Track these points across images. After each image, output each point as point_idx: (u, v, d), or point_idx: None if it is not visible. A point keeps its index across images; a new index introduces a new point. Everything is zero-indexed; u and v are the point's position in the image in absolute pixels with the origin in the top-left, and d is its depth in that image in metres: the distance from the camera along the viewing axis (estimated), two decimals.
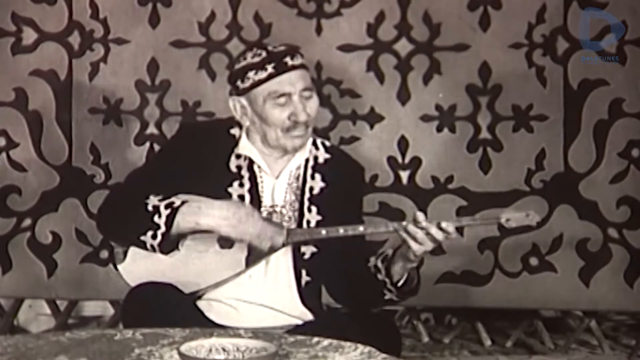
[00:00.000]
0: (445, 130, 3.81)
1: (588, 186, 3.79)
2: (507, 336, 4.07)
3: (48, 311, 4.15)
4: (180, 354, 1.99)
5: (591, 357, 3.95)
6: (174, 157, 2.70)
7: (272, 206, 2.67)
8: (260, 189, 2.67)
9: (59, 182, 3.86)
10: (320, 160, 2.74)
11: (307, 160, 2.71)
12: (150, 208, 2.56)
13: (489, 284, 3.82)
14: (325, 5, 3.80)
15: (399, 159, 3.82)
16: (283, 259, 2.66)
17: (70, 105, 3.85)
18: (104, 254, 3.81)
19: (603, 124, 3.77)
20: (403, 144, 3.82)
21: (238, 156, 2.69)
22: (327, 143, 2.80)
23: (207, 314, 2.62)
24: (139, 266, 2.64)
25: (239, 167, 2.68)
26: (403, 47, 3.80)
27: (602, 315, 4.15)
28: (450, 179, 3.82)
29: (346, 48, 3.81)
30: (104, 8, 3.82)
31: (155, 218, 2.54)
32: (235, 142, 2.70)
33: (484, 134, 3.81)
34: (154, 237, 2.54)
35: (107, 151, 3.85)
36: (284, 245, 2.60)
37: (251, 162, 2.68)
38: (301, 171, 2.71)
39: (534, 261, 3.81)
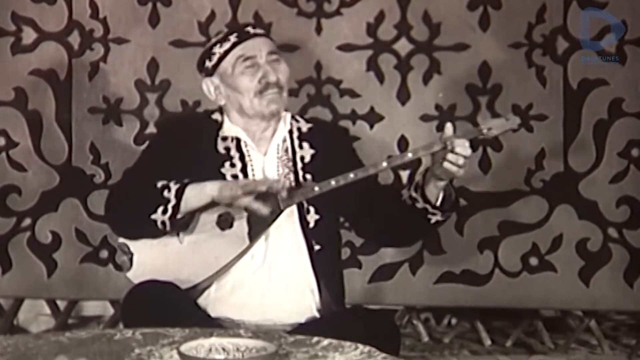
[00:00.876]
0: None
1: (588, 186, 3.78)
2: (507, 336, 4.06)
3: (48, 311, 4.14)
4: (180, 353, 1.99)
5: (591, 357, 3.95)
6: (162, 151, 2.75)
7: None
8: (250, 167, 2.71)
9: (58, 181, 3.86)
10: (304, 129, 2.79)
11: (291, 133, 2.76)
12: (159, 186, 2.61)
13: (488, 284, 3.82)
14: (325, 5, 3.80)
15: None
16: (284, 233, 2.67)
17: (70, 105, 3.84)
18: (104, 253, 3.81)
19: (603, 123, 3.77)
20: (403, 143, 3.81)
21: (224, 139, 2.74)
22: (305, 117, 2.87)
23: (212, 307, 2.64)
24: (145, 266, 2.66)
25: (227, 149, 2.73)
26: (403, 46, 3.80)
27: (602, 315, 4.15)
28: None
29: (346, 48, 3.81)
30: (103, 8, 3.82)
31: (165, 193, 2.60)
32: (219, 126, 2.76)
33: None
34: (165, 211, 2.59)
35: (107, 151, 3.85)
36: (282, 211, 2.62)
37: (238, 143, 2.73)
38: (288, 144, 2.75)
39: (533, 261, 3.81)
